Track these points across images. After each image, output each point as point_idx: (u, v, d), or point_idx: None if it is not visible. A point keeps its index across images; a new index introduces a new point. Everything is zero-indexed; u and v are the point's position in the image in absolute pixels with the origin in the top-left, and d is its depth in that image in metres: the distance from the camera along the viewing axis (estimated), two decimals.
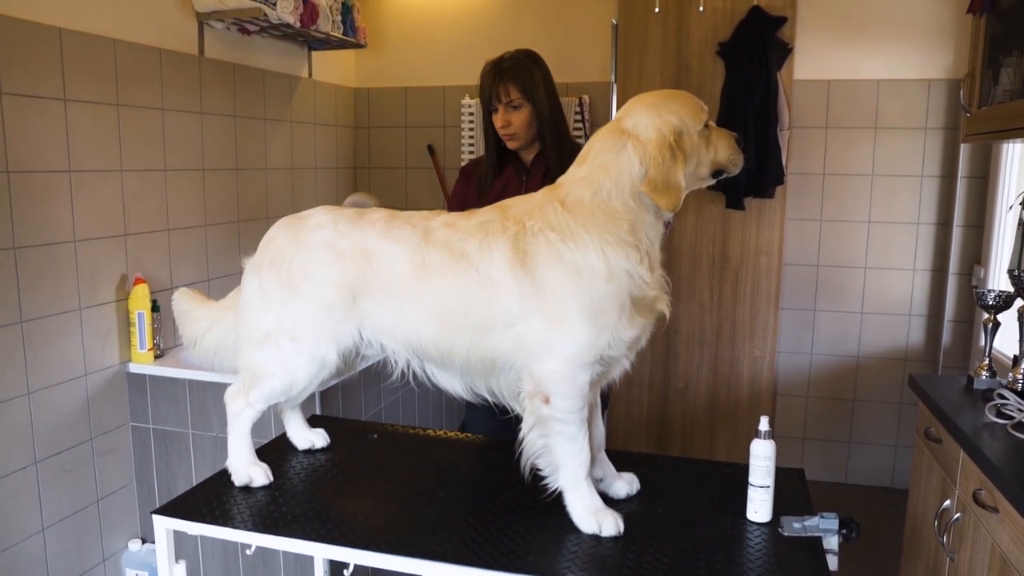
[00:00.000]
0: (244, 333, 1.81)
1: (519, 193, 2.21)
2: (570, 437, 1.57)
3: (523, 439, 1.61)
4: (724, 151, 1.67)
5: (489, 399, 1.72)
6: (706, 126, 1.64)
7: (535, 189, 1.95)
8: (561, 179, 1.66)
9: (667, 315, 1.62)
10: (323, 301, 1.72)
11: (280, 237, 1.79)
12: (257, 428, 1.87)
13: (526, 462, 1.62)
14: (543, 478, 1.63)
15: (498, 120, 2.35)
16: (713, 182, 1.72)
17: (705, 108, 1.65)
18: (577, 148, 2.35)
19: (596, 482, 1.71)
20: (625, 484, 1.76)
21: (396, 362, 1.77)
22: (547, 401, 1.55)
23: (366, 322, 1.73)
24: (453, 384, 1.74)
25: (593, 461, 1.69)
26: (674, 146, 1.56)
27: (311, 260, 1.72)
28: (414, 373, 1.77)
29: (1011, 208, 3.39)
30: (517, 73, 2.33)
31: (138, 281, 2.82)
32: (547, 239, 1.55)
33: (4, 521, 2.45)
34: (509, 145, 2.40)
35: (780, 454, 1.66)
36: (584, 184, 1.59)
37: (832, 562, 1.52)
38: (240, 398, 1.82)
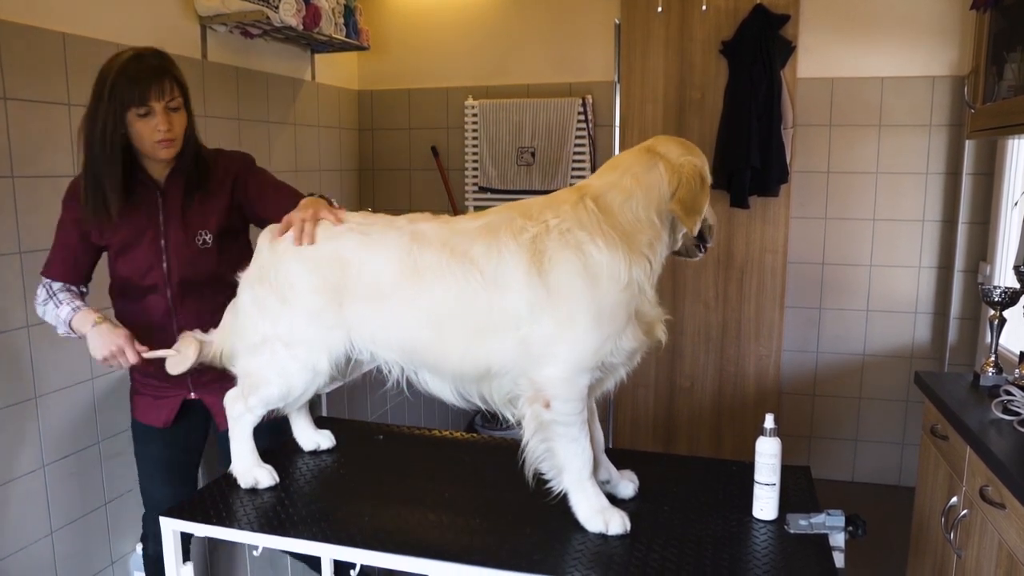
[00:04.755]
0: (241, 341, 1.83)
1: (157, 216, 2.04)
2: (572, 439, 1.57)
3: (525, 445, 1.61)
4: (712, 218, 1.71)
5: (481, 406, 1.72)
6: None
7: (178, 208, 2.06)
8: (587, 181, 1.66)
9: (663, 342, 1.64)
10: (310, 309, 1.73)
11: (264, 250, 1.82)
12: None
13: (529, 468, 1.62)
14: (548, 480, 1.63)
15: (159, 123, 1.91)
16: (676, 246, 1.69)
17: None
18: (208, 152, 2.12)
19: (603, 484, 1.71)
20: (629, 483, 1.77)
21: (390, 371, 1.76)
22: (548, 405, 1.55)
23: (355, 331, 1.73)
24: (444, 390, 1.73)
25: (597, 464, 1.69)
26: (704, 178, 1.62)
27: (291, 271, 1.74)
28: (408, 380, 1.76)
29: (1016, 204, 3.38)
30: (177, 71, 1.97)
31: None
32: (576, 239, 1.54)
33: (13, 525, 2.46)
34: (164, 154, 1.97)
35: (786, 452, 1.66)
36: (617, 190, 1.59)
37: (839, 559, 1.52)
38: (240, 403, 1.83)
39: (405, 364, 1.74)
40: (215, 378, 2.04)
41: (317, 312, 1.72)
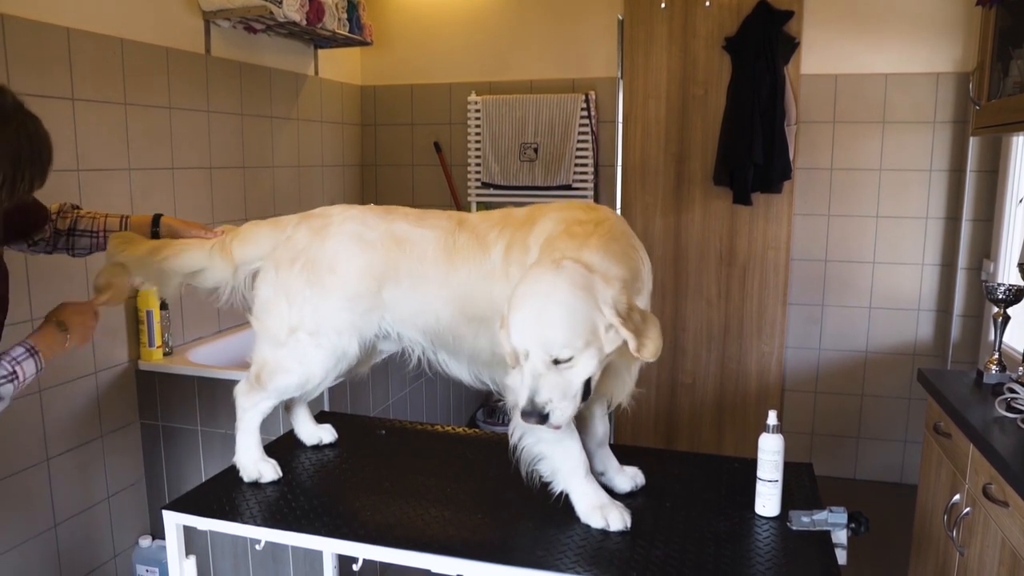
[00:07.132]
0: (265, 331, 1.79)
1: None
2: (555, 441, 1.57)
3: (514, 447, 1.60)
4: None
5: (492, 388, 1.74)
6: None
7: None
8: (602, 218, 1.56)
9: (610, 404, 1.63)
10: (348, 293, 1.72)
11: (299, 235, 1.78)
12: (265, 425, 1.88)
13: (526, 470, 1.62)
14: (550, 482, 1.63)
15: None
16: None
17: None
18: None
19: (598, 475, 1.71)
20: (628, 478, 1.76)
21: (412, 351, 1.80)
22: None
23: (388, 312, 1.74)
24: (461, 372, 1.77)
25: (591, 455, 1.69)
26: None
27: (338, 253, 1.73)
28: (428, 361, 1.79)
29: (1020, 201, 3.37)
30: None
31: None
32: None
33: (17, 517, 2.46)
34: None
35: (788, 449, 1.66)
36: (601, 245, 1.47)
37: (841, 556, 1.52)
38: (254, 394, 1.82)
39: (427, 345, 1.77)
40: None
41: (354, 296, 1.72)
